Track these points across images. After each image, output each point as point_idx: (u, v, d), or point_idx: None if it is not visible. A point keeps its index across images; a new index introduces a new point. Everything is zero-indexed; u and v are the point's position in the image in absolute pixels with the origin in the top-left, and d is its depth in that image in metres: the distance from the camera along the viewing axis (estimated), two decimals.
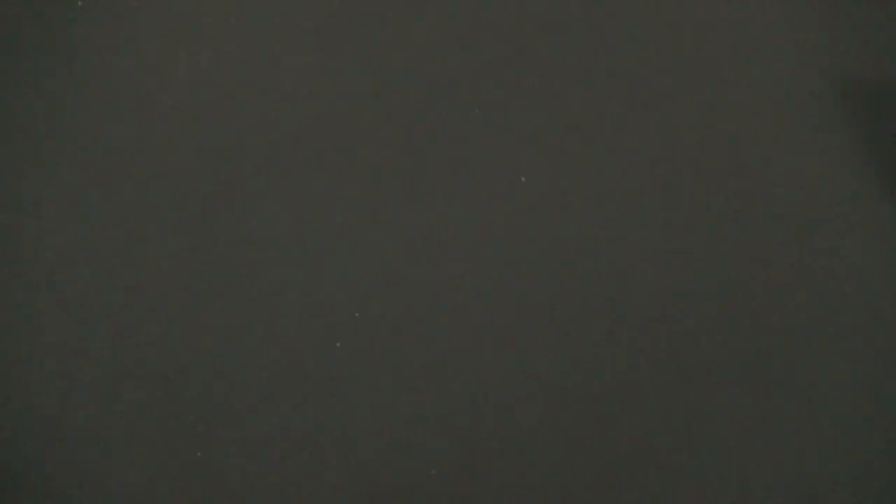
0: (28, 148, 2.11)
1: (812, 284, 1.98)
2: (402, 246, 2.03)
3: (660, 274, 2.00)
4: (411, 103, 2.18)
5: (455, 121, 2.16)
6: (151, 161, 2.10)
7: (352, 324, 1.95)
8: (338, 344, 1.93)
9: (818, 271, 2.00)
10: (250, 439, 1.84)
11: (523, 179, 2.10)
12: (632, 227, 2.05)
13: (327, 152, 2.13)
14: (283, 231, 2.04)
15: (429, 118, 2.17)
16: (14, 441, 1.84)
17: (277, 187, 2.08)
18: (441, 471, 1.82)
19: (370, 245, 2.03)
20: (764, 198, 2.07)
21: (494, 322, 1.95)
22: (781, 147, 2.13)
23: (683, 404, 1.88)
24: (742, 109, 2.17)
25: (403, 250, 2.02)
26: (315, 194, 2.08)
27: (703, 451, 1.84)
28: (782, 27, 2.27)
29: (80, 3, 2.27)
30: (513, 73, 2.22)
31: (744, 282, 1.99)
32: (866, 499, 1.80)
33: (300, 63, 2.23)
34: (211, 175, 2.09)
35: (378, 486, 1.81)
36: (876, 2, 2.29)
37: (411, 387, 1.90)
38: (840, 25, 2.27)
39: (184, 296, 1.97)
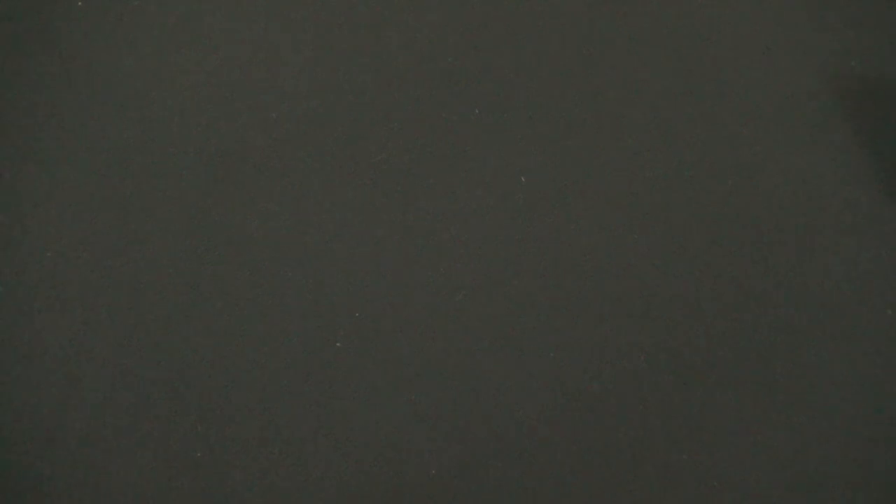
0: (28, 148, 2.11)
1: (812, 284, 1.98)
2: (402, 246, 2.03)
3: (660, 274, 2.00)
4: (411, 103, 2.18)
5: (455, 121, 2.16)
6: (151, 161, 2.10)
7: (352, 324, 1.95)
8: (338, 344, 1.93)
9: (818, 271, 2.00)
10: (250, 439, 1.85)
11: (523, 179, 2.10)
12: (631, 227, 2.05)
13: (327, 152, 2.13)
14: (283, 231, 2.04)
15: (429, 118, 2.17)
16: (14, 441, 1.84)
17: (277, 187, 2.08)
18: (441, 471, 1.82)
19: (370, 245, 2.03)
20: (764, 198, 2.07)
21: (494, 322, 1.95)
22: (781, 147, 2.13)
23: (683, 404, 1.88)
24: (742, 109, 2.17)
25: (403, 250, 2.02)
26: (315, 194, 2.08)
27: (703, 451, 1.84)
28: (782, 27, 2.27)
29: (80, 3, 2.27)
30: (513, 73, 2.22)
31: (743, 282, 1.99)
32: (866, 499, 1.80)
33: (300, 63, 2.23)
34: (211, 175, 2.09)
35: (378, 485, 1.81)
36: (877, 2, 2.29)
37: (411, 387, 1.90)
38: (840, 25, 2.27)
39: (184, 296, 1.97)
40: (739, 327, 1.94)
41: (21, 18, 2.24)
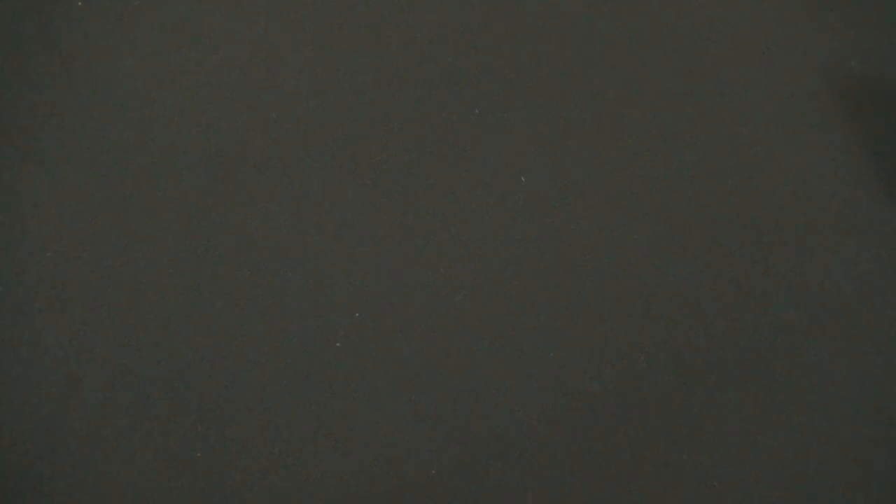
0: (28, 148, 2.11)
1: (812, 284, 1.98)
2: (402, 246, 2.03)
3: (660, 274, 2.00)
4: (411, 103, 2.18)
5: (455, 121, 2.16)
6: (151, 161, 2.10)
7: (352, 324, 1.95)
8: (338, 344, 1.93)
9: (818, 271, 2.00)
10: (250, 439, 1.85)
11: (523, 179, 2.10)
12: (631, 227, 2.05)
13: (327, 152, 2.13)
14: (283, 231, 2.04)
15: (429, 118, 2.17)
16: (14, 441, 1.84)
17: (277, 187, 2.08)
18: (441, 471, 1.82)
19: (370, 245, 2.03)
20: (764, 198, 2.07)
21: (494, 322, 1.95)
22: (781, 147, 2.13)
23: (683, 404, 1.88)
24: (742, 109, 2.17)
25: (403, 250, 2.02)
26: (315, 194, 2.08)
27: (703, 451, 1.84)
28: (782, 27, 2.27)
29: (79, 3, 2.28)
30: (513, 73, 2.22)
31: (743, 282, 1.99)
32: (866, 499, 1.81)
33: (300, 63, 2.23)
34: (211, 175, 2.09)
35: (378, 485, 1.81)
36: (877, 2, 2.29)
37: (411, 387, 1.90)
38: (840, 25, 2.27)
39: (184, 296, 1.97)
40: (739, 327, 1.94)
41: (21, 18, 2.25)
